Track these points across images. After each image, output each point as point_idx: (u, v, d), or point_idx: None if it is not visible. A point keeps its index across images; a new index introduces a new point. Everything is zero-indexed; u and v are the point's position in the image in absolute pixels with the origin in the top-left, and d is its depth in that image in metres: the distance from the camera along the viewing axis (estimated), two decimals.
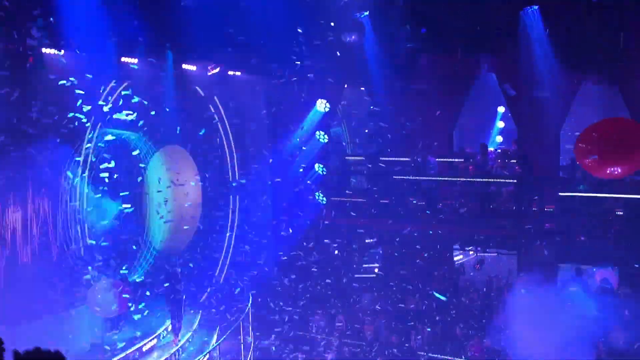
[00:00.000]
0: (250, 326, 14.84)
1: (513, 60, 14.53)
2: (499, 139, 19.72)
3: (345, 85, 18.20)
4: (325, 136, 16.81)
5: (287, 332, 15.26)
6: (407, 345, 14.72)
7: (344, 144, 20.24)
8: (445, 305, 15.07)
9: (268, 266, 16.04)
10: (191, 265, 14.64)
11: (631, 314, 12.27)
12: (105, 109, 12.59)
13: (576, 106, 15.74)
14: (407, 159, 16.62)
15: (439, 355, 14.38)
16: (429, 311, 15.10)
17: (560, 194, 14.41)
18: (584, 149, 7.69)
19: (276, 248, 16.20)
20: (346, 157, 18.52)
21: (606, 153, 7.91)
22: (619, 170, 8.03)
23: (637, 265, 13.11)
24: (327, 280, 15.99)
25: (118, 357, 11.79)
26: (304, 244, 16.22)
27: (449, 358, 14.24)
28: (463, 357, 14.07)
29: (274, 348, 14.98)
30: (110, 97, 12.87)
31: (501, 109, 19.56)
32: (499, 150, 16.86)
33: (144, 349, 12.50)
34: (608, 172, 8.05)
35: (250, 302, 14.95)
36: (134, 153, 13.73)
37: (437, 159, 16.35)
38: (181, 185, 14.59)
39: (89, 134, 12.46)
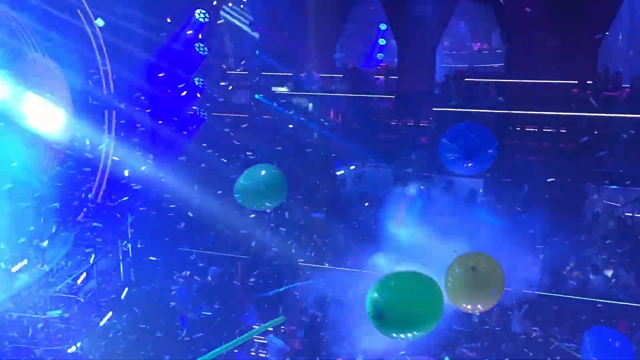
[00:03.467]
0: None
1: None
2: (380, 55, 20.01)
3: None
4: (205, 48, 16.08)
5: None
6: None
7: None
8: (331, 219, 15.45)
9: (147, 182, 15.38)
10: (59, 184, 13.69)
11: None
12: None
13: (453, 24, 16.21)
14: (290, 74, 16.49)
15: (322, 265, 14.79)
16: (312, 224, 15.44)
17: (434, 109, 15.02)
18: None
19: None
20: (228, 72, 17.99)
21: None
22: None
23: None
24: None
25: None
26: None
27: (332, 267, 14.67)
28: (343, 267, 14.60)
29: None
30: None
31: (383, 26, 19.74)
32: (380, 67, 17.12)
33: (13, 269, 11.82)
34: None
35: (130, 219, 14.48)
36: None
37: (320, 75, 16.35)
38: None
39: None
